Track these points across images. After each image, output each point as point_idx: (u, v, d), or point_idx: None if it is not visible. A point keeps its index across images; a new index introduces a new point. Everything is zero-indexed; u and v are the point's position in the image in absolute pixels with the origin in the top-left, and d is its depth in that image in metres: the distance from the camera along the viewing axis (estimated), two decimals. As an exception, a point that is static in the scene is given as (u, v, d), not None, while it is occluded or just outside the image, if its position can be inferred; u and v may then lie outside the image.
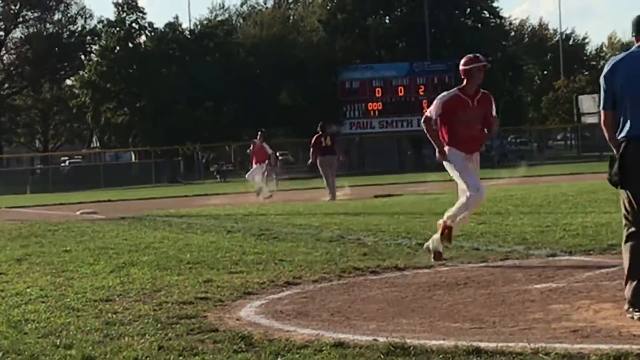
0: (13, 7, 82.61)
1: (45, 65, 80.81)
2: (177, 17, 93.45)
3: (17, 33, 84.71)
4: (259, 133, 30.41)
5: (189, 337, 6.33)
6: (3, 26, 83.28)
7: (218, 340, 6.15)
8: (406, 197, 23.82)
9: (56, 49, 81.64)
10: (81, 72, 73.37)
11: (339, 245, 11.78)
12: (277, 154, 40.65)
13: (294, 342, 5.94)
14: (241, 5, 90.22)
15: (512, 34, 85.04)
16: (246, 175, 30.00)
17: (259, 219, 17.95)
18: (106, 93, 66.94)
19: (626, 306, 6.40)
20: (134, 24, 68.42)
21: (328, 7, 70.65)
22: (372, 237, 12.70)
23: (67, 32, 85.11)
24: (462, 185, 9.74)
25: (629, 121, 6.38)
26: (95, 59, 70.43)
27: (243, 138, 67.83)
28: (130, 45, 68.00)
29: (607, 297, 7.16)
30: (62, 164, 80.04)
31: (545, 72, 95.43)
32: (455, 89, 9.90)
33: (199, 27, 71.25)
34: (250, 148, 29.98)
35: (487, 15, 70.58)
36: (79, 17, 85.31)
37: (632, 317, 6.26)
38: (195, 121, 62.69)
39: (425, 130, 9.92)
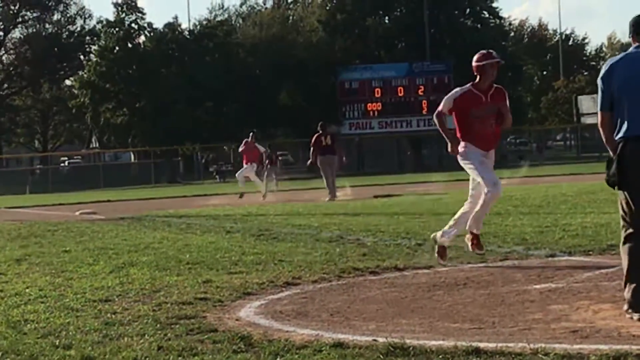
0: (12, 7, 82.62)
1: (44, 66, 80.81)
2: (176, 18, 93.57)
3: (17, 33, 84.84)
4: (251, 133, 30.23)
5: (188, 337, 6.33)
6: (2, 26, 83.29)
7: (217, 340, 6.15)
8: (405, 198, 23.83)
9: (55, 49, 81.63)
10: (80, 73, 73.36)
11: (339, 245, 11.78)
12: (277, 153, 40.68)
13: (293, 343, 5.94)
14: (240, 6, 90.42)
15: (512, 34, 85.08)
16: (236, 175, 29.71)
17: (258, 219, 17.95)
18: (105, 93, 66.93)
19: (625, 307, 6.41)
20: (133, 24, 68.43)
21: (327, 8, 70.65)
22: (371, 237, 12.69)
23: (67, 33, 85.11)
24: (478, 179, 9.62)
25: (626, 122, 6.38)
26: (95, 59, 70.42)
27: (242, 138, 67.87)
28: (130, 45, 68.00)
29: (607, 298, 7.16)
30: (62, 164, 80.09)
31: (545, 73, 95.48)
32: (468, 84, 9.82)
33: (198, 27, 71.28)
34: (242, 147, 29.72)
35: (487, 15, 70.59)
36: (78, 18, 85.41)
37: (632, 318, 6.26)
38: (194, 121, 62.69)
39: (437, 125, 9.82)
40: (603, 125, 6.60)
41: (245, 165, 29.29)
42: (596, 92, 6.70)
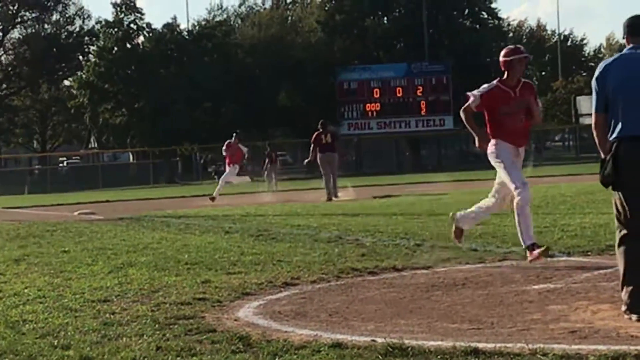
0: (11, 8, 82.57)
1: (43, 66, 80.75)
2: (175, 18, 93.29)
3: (15, 33, 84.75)
4: (234, 134, 29.47)
5: (186, 337, 6.33)
6: (1, 27, 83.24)
7: (216, 340, 6.15)
8: (404, 198, 23.82)
9: (54, 49, 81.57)
10: (79, 73, 73.30)
11: (337, 246, 11.78)
12: (277, 152, 40.69)
13: (292, 343, 5.95)
14: (239, 6, 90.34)
15: (511, 35, 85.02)
16: (220, 179, 28.73)
17: (257, 219, 17.95)
18: (104, 93, 66.89)
19: (623, 308, 6.41)
20: (132, 25, 68.39)
21: (326, 8, 70.63)
22: (370, 237, 12.69)
23: (65, 33, 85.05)
24: (506, 180, 9.47)
25: (620, 122, 6.39)
26: (93, 59, 70.37)
27: (241, 139, 67.83)
28: (129, 45, 67.97)
29: (605, 298, 7.16)
30: (60, 165, 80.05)
31: (544, 73, 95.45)
32: (495, 80, 9.70)
33: (197, 27, 71.22)
34: (224, 149, 29.01)
35: (486, 16, 70.58)
36: (77, 18, 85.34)
37: (630, 319, 6.26)
38: (193, 122, 62.66)
39: (463, 121, 9.73)
40: (597, 126, 6.60)
41: (228, 168, 28.57)
42: (595, 93, 6.70)
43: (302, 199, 26.10)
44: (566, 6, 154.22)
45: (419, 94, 62.98)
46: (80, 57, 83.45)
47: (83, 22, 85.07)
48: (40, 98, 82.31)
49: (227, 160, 28.62)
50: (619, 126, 6.39)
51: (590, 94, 6.79)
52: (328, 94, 63.93)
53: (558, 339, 5.82)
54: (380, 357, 5.47)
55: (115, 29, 67.48)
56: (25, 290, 8.98)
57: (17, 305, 8.09)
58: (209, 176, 62.54)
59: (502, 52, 9.69)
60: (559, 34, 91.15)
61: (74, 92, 71.96)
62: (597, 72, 6.60)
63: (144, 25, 69.02)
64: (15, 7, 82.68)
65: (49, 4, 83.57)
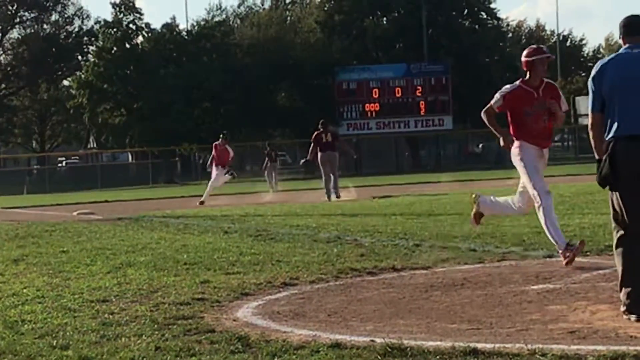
0: (10, 8, 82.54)
1: (42, 66, 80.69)
2: (174, 18, 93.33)
3: (14, 33, 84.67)
4: (221, 135, 28.81)
5: (185, 337, 6.33)
6: (0, 27, 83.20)
7: (215, 341, 6.15)
8: (403, 198, 23.82)
9: (53, 49, 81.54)
10: (78, 73, 73.30)
11: (336, 246, 11.78)
12: (277, 152, 40.64)
13: (291, 343, 5.94)
14: (238, 6, 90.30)
15: (510, 35, 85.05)
16: (210, 183, 28.05)
17: (256, 219, 17.95)
18: (103, 94, 66.89)
19: (622, 308, 6.41)
20: (131, 25, 68.41)
21: (325, 8, 70.62)
22: (369, 238, 12.70)
23: (64, 33, 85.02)
24: (528, 185, 9.39)
25: (617, 121, 6.38)
26: (93, 59, 70.39)
27: (241, 139, 67.86)
28: (128, 46, 67.97)
29: (604, 299, 7.16)
30: (59, 165, 79.99)
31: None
32: (518, 81, 9.59)
33: (196, 27, 71.20)
34: (213, 152, 28.31)
35: (485, 16, 70.58)
36: (76, 18, 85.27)
37: (629, 319, 6.26)
38: (192, 122, 62.68)
39: (485, 121, 9.63)
40: (594, 126, 6.59)
41: (215, 172, 27.90)
42: (594, 94, 6.69)
43: (301, 199, 26.09)
44: (565, 6, 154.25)
45: (418, 94, 62.98)
46: (79, 57, 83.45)
47: (82, 22, 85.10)
48: (39, 98, 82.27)
49: (214, 162, 28.11)
50: (615, 126, 6.39)
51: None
52: (327, 94, 63.93)
53: (557, 339, 5.82)
54: (379, 357, 5.47)
55: (115, 29, 67.48)
56: (24, 291, 8.97)
57: (16, 306, 8.09)
58: (208, 176, 62.45)
59: (524, 52, 9.57)
60: (558, 35, 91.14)
61: (73, 92, 71.95)
62: (593, 72, 6.60)
63: (143, 26, 69.08)
64: (14, 7, 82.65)
65: (48, 4, 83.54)
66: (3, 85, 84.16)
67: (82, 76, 68.95)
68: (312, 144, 25.53)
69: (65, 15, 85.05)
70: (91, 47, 78.24)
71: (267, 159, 37.44)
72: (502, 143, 9.58)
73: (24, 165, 77.33)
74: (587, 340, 5.76)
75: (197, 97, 63.67)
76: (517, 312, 6.87)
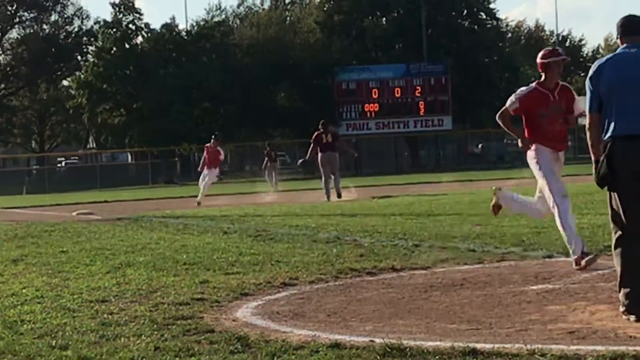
0: (9, 8, 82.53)
1: (41, 66, 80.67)
2: (173, 18, 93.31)
3: (14, 33, 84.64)
4: (213, 136, 28.58)
5: (185, 338, 6.33)
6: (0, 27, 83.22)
7: (214, 341, 6.15)
8: (403, 199, 23.81)
9: (53, 49, 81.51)
10: (78, 73, 73.30)
11: (336, 246, 11.78)
12: (277, 152, 40.64)
13: (290, 343, 5.94)
14: (238, 7, 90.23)
15: (509, 35, 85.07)
16: (203, 185, 27.63)
17: (255, 219, 17.95)
18: (103, 94, 66.88)
19: (622, 308, 6.41)
20: (130, 25, 68.40)
21: (325, 9, 70.61)
22: (368, 238, 12.70)
23: (64, 33, 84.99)
24: (544, 189, 9.31)
25: (614, 121, 6.38)
26: (92, 59, 70.38)
27: (240, 139, 67.87)
28: (127, 46, 67.97)
29: (603, 299, 7.17)
30: (59, 165, 79.97)
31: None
32: (533, 83, 9.52)
33: (195, 28, 71.20)
34: (205, 153, 28.06)
35: (484, 16, 70.56)
36: (76, 18, 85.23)
37: (628, 319, 6.26)
38: (191, 122, 62.68)
39: (501, 124, 9.55)
40: (591, 126, 6.59)
41: (205, 172, 27.62)
42: (592, 94, 6.69)
43: (300, 200, 26.09)
44: (565, 7, 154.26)
45: (418, 94, 62.98)
46: (79, 57, 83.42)
47: (82, 22, 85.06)
48: (38, 98, 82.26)
49: (206, 165, 27.79)
50: (613, 126, 6.39)
51: (589, 94, 6.79)
52: (326, 94, 63.93)
53: (556, 339, 5.82)
54: (378, 357, 5.47)
55: (114, 29, 67.48)
56: (23, 291, 8.97)
57: (15, 306, 8.09)
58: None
59: (540, 54, 9.44)
60: (557, 35, 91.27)
61: (73, 92, 71.94)
62: (590, 72, 6.60)
63: (143, 26, 69.08)
64: (14, 7, 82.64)
65: (47, 4, 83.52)
66: (2, 86, 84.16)
67: (82, 76, 68.95)
68: (311, 144, 25.51)
69: (65, 16, 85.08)
70: (91, 47, 78.22)
71: (266, 158, 37.45)
72: (521, 145, 9.46)
73: (23, 166, 77.29)
74: (587, 340, 5.76)
75: (197, 97, 63.66)
76: (517, 313, 6.87)
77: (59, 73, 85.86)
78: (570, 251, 9.13)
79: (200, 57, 66.24)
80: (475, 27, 69.77)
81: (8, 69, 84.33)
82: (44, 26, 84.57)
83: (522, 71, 77.46)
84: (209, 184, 27.67)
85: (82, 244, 13.90)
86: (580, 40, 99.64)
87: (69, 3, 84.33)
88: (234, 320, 6.99)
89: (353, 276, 9.19)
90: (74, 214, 24.03)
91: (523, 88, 9.57)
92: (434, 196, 23.82)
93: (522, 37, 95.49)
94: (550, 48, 9.75)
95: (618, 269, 6.44)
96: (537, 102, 9.29)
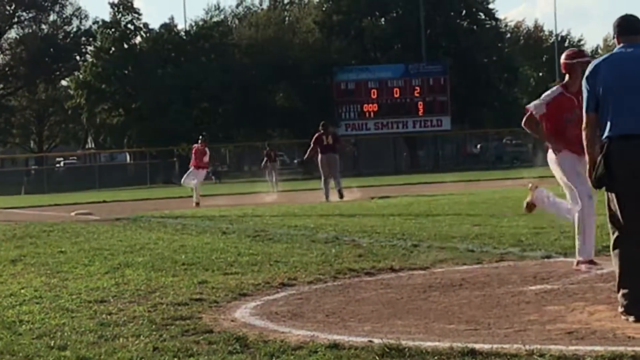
0: (8, 8, 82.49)
1: (40, 66, 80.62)
2: (172, 18, 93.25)
3: (12, 33, 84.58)
4: (200, 137, 28.12)
5: (183, 338, 6.33)
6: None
7: (213, 341, 6.14)
8: (401, 199, 23.81)
9: (51, 49, 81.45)
10: (76, 73, 73.29)
11: (334, 246, 11.78)
12: (276, 152, 40.65)
13: (289, 344, 5.94)
14: (237, 7, 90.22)
15: (508, 35, 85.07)
16: (193, 184, 27.25)
17: (254, 220, 17.94)
18: (101, 94, 66.87)
19: (620, 309, 6.41)
20: (129, 25, 68.40)
21: (323, 9, 70.65)
22: (367, 238, 12.70)
23: (63, 33, 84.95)
24: (570, 189, 9.14)
25: (611, 121, 6.38)
26: (91, 59, 70.37)
27: (239, 139, 67.89)
28: (126, 46, 67.97)
29: (602, 299, 7.17)
30: (57, 165, 79.94)
31: (541, 74, 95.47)
32: (557, 86, 9.32)
33: (194, 28, 71.20)
34: (193, 153, 27.69)
35: (483, 17, 70.61)
36: (74, 18, 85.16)
37: (627, 320, 6.26)
38: (190, 122, 62.67)
39: (527, 130, 9.39)
40: (588, 126, 6.57)
41: (194, 172, 27.27)
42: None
43: (299, 200, 26.08)
44: (564, 7, 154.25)
45: (417, 94, 63.01)
46: (78, 58, 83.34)
47: (80, 22, 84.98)
48: (37, 98, 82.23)
49: (194, 164, 27.45)
50: (610, 125, 6.38)
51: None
52: (325, 94, 63.96)
53: (555, 339, 5.82)
54: (377, 357, 5.47)
55: (113, 30, 67.47)
56: (22, 291, 8.97)
57: (14, 306, 8.08)
58: (206, 176, 62.52)
59: (565, 54, 9.24)
60: (557, 35, 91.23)
61: (71, 92, 71.92)
62: (587, 72, 6.60)
63: (141, 26, 69.04)
64: (12, 7, 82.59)
65: (46, 4, 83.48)
66: (1, 86, 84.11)
67: (80, 76, 68.94)
68: (311, 145, 25.47)
69: (64, 16, 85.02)
70: (89, 47, 78.18)
71: (266, 159, 37.44)
72: (554, 148, 9.19)
73: (22, 166, 77.25)
74: (585, 340, 5.76)
75: (196, 98, 63.67)
76: (515, 313, 6.87)
77: (58, 73, 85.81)
78: (577, 250, 8.99)
79: (199, 57, 66.25)
80: (474, 27, 69.83)
81: (6, 69, 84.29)
82: (43, 26, 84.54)
83: (521, 71, 77.54)
84: (199, 183, 27.46)
85: (80, 244, 13.89)
86: (579, 40, 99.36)
87: (67, 3, 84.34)
88: (232, 321, 6.99)
89: (352, 276, 9.19)
90: (73, 214, 24.02)
91: (548, 92, 9.33)
92: (433, 196, 23.83)
93: (521, 38, 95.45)
94: (575, 48, 9.62)
95: (616, 269, 6.44)
96: (563, 107, 9.09)
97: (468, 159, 69.63)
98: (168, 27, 69.73)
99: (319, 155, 25.08)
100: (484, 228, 13.23)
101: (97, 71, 66.34)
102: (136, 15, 68.84)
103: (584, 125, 6.61)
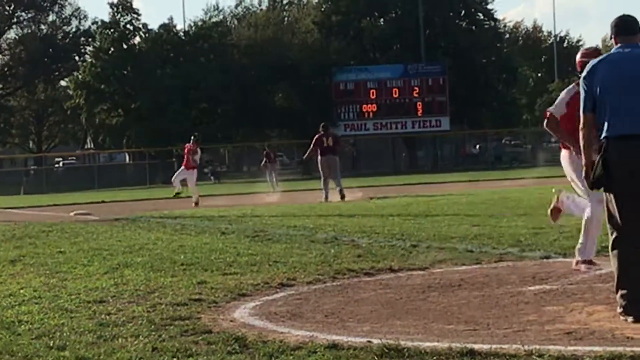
0: (7, 8, 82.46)
1: (39, 66, 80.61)
2: (171, 19, 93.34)
3: (11, 34, 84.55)
4: (192, 137, 28.04)
5: (182, 338, 6.33)
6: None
7: (212, 341, 6.15)
8: (400, 199, 23.82)
9: (50, 50, 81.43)
10: (75, 73, 73.27)
11: (333, 246, 11.78)
12: (276, 152, 40.65)
13: (288, 344, 5.94)
14: (236, 7, 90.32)
15: (507, 36, 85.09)
16: (191, 187, 27.42)
17: (253, 220, 17.94)
18: (100, 94, 66.85)
19: (619, 310, 6.41)
20: (128, 25, 68.38)
21: (322, 9, 70.63)
22: (366, 238, 12.70)
23: (62, 33, 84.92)
24: (581, 193, 9.00)
25: (608, 122, 6.37)
26: (90, 60, 70.35)
27: (237, 139, 67.86)
28: (125, 46, 67.94)
29: (601, 299, 7.17)
30: (56, 165, 79.93)
31: (540, 75, 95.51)
32: (573, 85, 9.20)
33: (193, 28, 71.18)
34: (185, 153, 27.68)
35: (482, 17, 70.63)
36: (73, 18, 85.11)
37: (626, 320, 6.26)
38: (189, 122, 62.65)
39: (550, 132, 9.30)
40: (584, 126, 6.55)
41: (185, 172, 27.42)
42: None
43: (298, 200, 26.08)
44: (562, 7, 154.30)
45: (415, 94, 63.02)
46: (77, 58, 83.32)
47: (79, 22, 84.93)
48: (36, 98, 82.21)
49: (185, 164, 27.36)
50: (607, 126, 6.37)
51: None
52: (324, 94, 63.94)
53: (554, 340, 5.82)
54: (376, 358, 5.47)
55: (112, 30, 67.45)
56: (21, 291, 8.97)
57: (13, 306, 8.08)
58: (205, 177, 62.55)
59: (580, 53, 9.09)
60: (555, 36, 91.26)
61: (70, 92, 71.90)
62: (584, 72, 6.59)
63: (141, 26, 69.01)
64: (12, 8, 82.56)
65: (45, 5, 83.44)
66: (0, 86, 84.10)
67: (80, 77, 68.91)
68: (312, 146, 25.44)
69: (63, 16, 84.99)
70: (88, 48, 78.13)
71: (265, 159, 37.43)
72: (574, 150, 8.89)
73: (21, 166, 77.21)
74: (584, 341, 5.76)
75: (195, 98, 63.64)
76: (514, 313, 6.88)
77: (57, 73, 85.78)
78: (577, 249, 8.97)
79: (198, 57, 66.23)
80: (473, 27, 69.84)
81: (6, 69, 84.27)
82: (42, 26, 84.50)
83: (520, 72, 77.50)
84: (194, 183, 27.39)
85: (79, 244, 13.89)
86: (578, 41, 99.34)
87: (66, 3, 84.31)
88: (231, 321, 6.99)
89: (351, 277, 9.19)
90: (72, 214, 24.01)
91: (565, 92, 9.22)
92: (432, 197, 23.84)
93: (520, 38, 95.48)
94: (592, 47, 9.52)
95: (615, 270, 6.44)
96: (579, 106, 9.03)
97: (467, 160, 69.63)
98: (167, 28, 69.72)
99: (319, 157, 25.06)
100: (483, 228, 13.24)
101: (96, 71, 66.32)
102: (135, 15, 68.86)
103: (581, 125, 6.60)
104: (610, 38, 6.71)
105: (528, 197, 20.56)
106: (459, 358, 5.37)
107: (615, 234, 6.42)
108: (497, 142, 70.01)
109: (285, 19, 79.14)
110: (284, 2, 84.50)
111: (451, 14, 69.35)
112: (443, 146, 72.17)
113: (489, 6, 70.69)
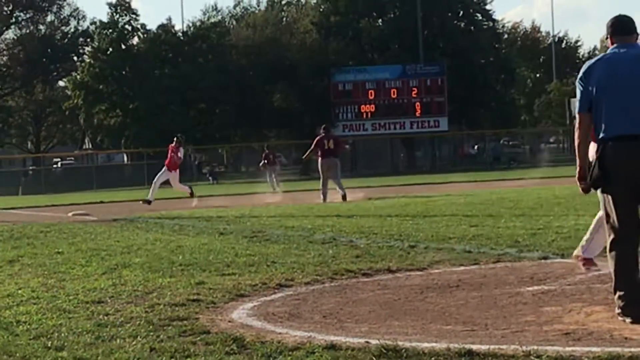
0: (5, 9, 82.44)
1: (37, 67, 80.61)
2: (170, 19, 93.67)
3: (10, 34, 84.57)
4: (175, 138, 27.75)
5: (181, 339, 6.33)
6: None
7: (210, 342, 6.15)
8: (399, 200, 23.81)
9: (49, 50, 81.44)
10: (74, 74, 73.27)
11: (332, 247, 11.78)
12: (276, 153, 40.61)
13: (286, 344, 5.95)
14: (234, 7, 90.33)
15: (505, 36, 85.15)
16: (185, 187, 27.49)
17: (251, 220, 17.93)
18: (99, 94, 66.85)
19: (617, 310, 6.41)
20: (126, 26, 68.38)
21: (321, 10, 70.65)
22: (364, 239, 12.69)
23: (60, 34, 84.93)
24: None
25: (605, 123, 6.36)
26: (88, 60, 70.36)
27: (236, 140, 67.86)
28: (123, 46, 67.95)
29: (599, 300, 7.17)
30: (55, 166, 79.90)
31: (538, 75, 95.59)
32: None
33: (191, 28, 71.21)
34: (170, 154, 27.40)
35: (480, 18, 70.66)
36: (72, 19, 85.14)
37: (624, 321, 6.26)
38: (187, 123, 62.66)
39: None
40: (580, 126, 6.54)
41: (167, 173, 27.32)
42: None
43: (296, 201, 26.07)
44: (561, 8, 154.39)
45: (414, 95, 63.03)
46: (75, 58, 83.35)
47: (78, 23, 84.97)
48: (34, 99, 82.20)
49: (168, 164, 27.21)
50: (604, 127, 6.37)
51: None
52: (323, 95, 63.95)
53: (552, 340, 5.82)
54: (374, 358, 5.47)
55: (110, 30, 67.46)
56: (19, 292, 8.96)
57: (11, 307, 8.08)
58: (204, 177, 62.55)
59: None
60: (554, 36, 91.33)
61: (69, 93, 71.94)
62: (580, 73, 6.58)
63: (139, 26, 69.04)
64: (10, 8, 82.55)
65: (43, 5, 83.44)
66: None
67: (78, 77, 68.93)
68: (312, 147, 25.40)
69: (61, 16, 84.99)
70: (87, 48, 78.17)
71: (264, 160, 37.42)
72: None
73: (19, 166, 77.18)
74: (582, 341, 5.76)
75: (193, 98, 63.64)
76: (512, 314, 6.88)
77: (55, 74, 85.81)
78: (581, 245, 8.87)
79: (196, 58, 66.23)
80: (472, 28, 69.88)
81: (4, 69, 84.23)
82: (40, 27, 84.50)
83: (518, 72, 77.52)
84: (160, 182, 27.37)
85: (78, 244, 13.88)
86: (577, 41, 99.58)
87: (65, 4, 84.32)
88: (229, 322, 6.99)
89: (349, 277, 9.19)
90: (70, 214, 24.00)
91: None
92: (430, 197, 23.83)
93: (518, 39, 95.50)
94: None
95: (613, 271, 6.44)
96: None
97: (465, 160, 69.67)
98: (165, 28, 69.74)
99: (319, 159, 25.01)
100: (481, 229, 13.24)
101: (95, 72, 66.33)
102: (134, 16, 68.91)
103: (576, 125, 6.60)
104: (606, 38, 6.71)
105: (526, 198, 20.56)
106: (457, 358, 5.37)
107: (612, 235, 6.42)
108: (496, 143, 70.04)
109: (284, 19, 79.18)
110: (283, 2, 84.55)
111: (449, 14, 69.38)
112: (441, 146, 72.22)
113: (488, 7, 70.83)
